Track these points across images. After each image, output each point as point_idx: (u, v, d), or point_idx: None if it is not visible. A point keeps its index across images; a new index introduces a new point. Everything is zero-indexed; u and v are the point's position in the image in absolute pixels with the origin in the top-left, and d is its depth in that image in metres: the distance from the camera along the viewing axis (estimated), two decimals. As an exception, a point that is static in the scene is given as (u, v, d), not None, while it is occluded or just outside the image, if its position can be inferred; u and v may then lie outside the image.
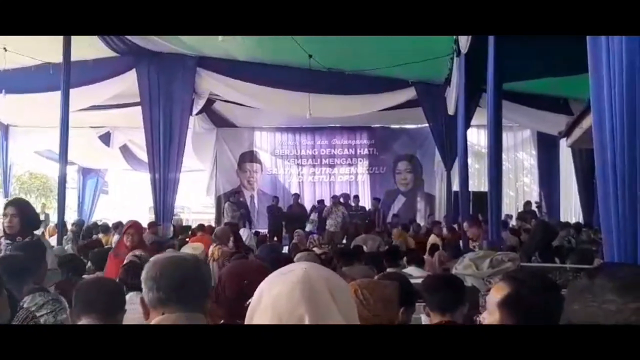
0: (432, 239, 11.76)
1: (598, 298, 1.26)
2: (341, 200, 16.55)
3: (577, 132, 10.90)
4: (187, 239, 10.66)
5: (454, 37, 9.66)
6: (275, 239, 15.38)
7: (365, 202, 18.19)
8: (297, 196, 18.04)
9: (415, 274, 6.60)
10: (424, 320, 3.57)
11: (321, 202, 17.24)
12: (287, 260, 4.89)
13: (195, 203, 23.88)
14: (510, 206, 17.60)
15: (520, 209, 16.53)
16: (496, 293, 2.23)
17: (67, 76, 10.23)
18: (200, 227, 11.97)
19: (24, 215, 5.31)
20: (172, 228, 13.53)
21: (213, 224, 16.76)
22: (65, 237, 11.04)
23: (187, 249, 5.35)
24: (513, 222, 15.04)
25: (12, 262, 3.96)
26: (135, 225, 7.07)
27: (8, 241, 5.21)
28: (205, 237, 9.87)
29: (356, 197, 17.55)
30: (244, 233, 10.63)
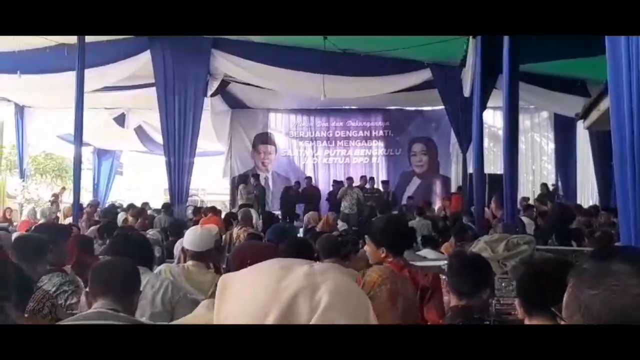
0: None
1: (621, 282, 1.24)
2: (359, 182, 16.62)
3: (594, 114, 10.80)
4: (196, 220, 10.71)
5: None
6: (288, 220, 15.40)
7: (380, 184, 18.15)
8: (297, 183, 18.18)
9: (430, 256, 6.59)
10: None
11: (337, 183, 17.25)
12: (302, 242, 4.88)
13: (211, 185, 23.93)
14: (527, 189, 17.48)
15: (537, 191, 16.43)
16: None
17: (81, 57, 10.26)
18: (212, 208, 12.04)
19: None
20: (191, 210, 13.61)
21: (228, 206, 16.84)
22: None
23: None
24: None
25: (26, 243, 4.00)
26: None
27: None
28: (215, 219, 9.98)
29: (372, 179, 17.55)
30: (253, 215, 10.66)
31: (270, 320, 1.13)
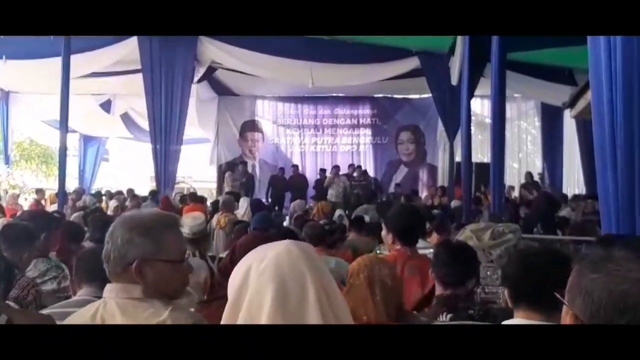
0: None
1: (622, 267, 1.26)
2: (347, 171, 16.64)
3: (581, 104, 10.85)
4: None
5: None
6: (277, 208, 15.38)
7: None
8: (296, 167, 18.12)
9: (419, 244, 6.58)
10: None
11: (323, 171, 17.22)
12: (286, 230, 4.88)
13: (198, 172, 23.83)
14: (513, 177, 17.53)
15: (523, 180, 16.48)
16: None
17: (67, 42, 10.18)
18: (193, 196, 12.08)
19: None
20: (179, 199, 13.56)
21: (214, 193, 16.77)
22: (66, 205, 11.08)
23: (187, 219, 5.30)
24: (515, 194, 15.00)
25: (10, 230, 3.96)
26: None
27: None
28: (199, 206, 10.02)
29: (359, 167, 17.54)
30: (243, 202, 10.63)
31: (235, 286, 1.45)
